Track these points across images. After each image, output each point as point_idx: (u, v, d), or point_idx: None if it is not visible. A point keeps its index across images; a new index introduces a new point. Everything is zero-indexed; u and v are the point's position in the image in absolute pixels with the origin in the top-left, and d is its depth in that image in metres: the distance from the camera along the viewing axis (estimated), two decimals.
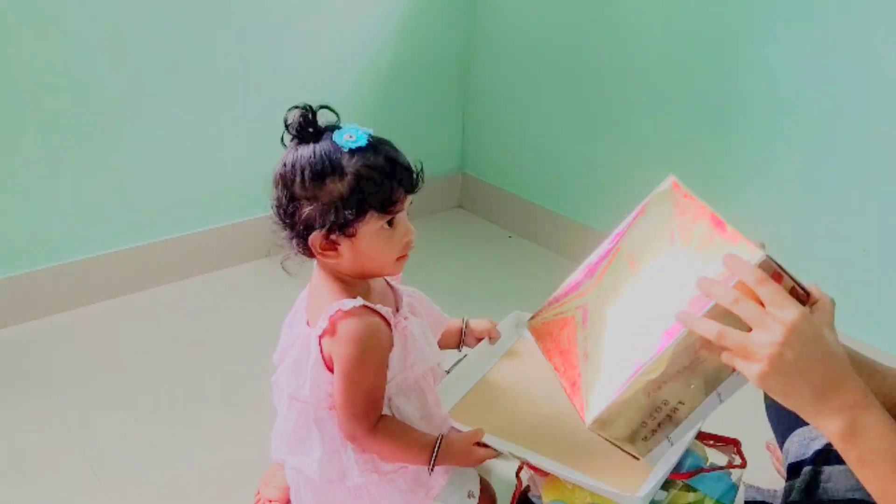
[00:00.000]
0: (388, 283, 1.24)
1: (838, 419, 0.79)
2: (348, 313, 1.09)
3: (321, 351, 1.11)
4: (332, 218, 1.07)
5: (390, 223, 1.10)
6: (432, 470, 1.16)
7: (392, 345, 1.13)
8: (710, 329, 0.84)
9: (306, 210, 1.07)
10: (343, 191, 1.07)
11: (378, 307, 1.11)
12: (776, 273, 0.87)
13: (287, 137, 1.11)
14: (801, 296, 0.89)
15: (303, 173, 1.07)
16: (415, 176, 1.12)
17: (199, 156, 2.12)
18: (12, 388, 1.72)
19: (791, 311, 0.80)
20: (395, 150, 1.12)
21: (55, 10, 1.79)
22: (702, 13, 1.87)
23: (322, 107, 1.10)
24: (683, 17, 1.91)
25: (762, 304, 0.82)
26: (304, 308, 1.20)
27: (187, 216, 2.14)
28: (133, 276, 2.08)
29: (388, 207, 1.09)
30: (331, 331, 1.09)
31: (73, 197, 1.95)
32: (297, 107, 1.09)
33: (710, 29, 1.87)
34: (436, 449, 1.14)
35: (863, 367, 0.96)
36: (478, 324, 1.39)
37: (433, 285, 2.15)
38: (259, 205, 2.24)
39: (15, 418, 1.63)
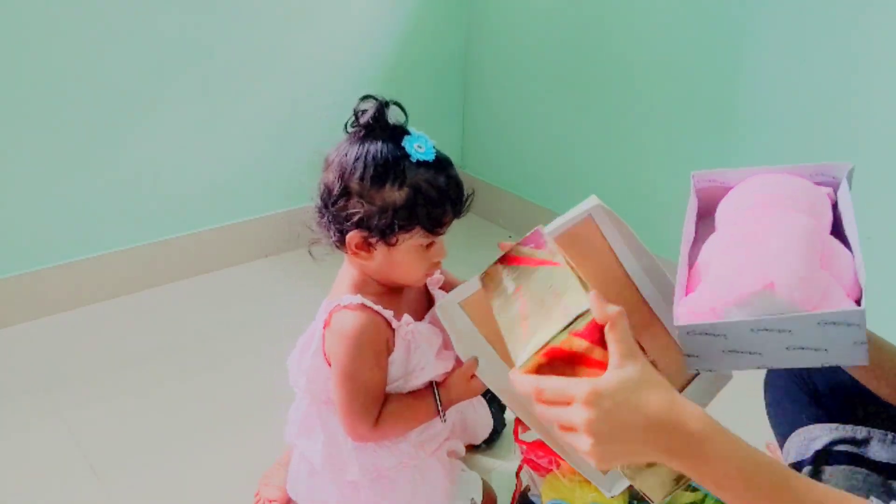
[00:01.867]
0: (427, 288, 1.22)
1: (680, 462, 0.76)
2: (346, 307, 1.09)
3: (323, 342, 1.12)
4: (378, 222, 1.05)
5: (430, 244, 1.10)
6: (444, 418, 1.16)
7: (392, 348, 1.13)
8: (532, 416, 0.82)
9: (356, 207, 1.05)
10: (398, 200, 1.05)
11: (378, 308, 1.10)
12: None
13: (351, 122, 1.09)
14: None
15: (364, 169, 1.04)
16: (465, 202, 1.11)
17: (199, 156, 2.11)
18: (12, 388, 1.72)
19: (579, 387, 0.74)
20: (455, 171, 1.10)
21: (55, 9, 1.79)
22: (701, 12, 1.87)
23: (394, 103, 1.08)
24: (682, 16, 1.91)
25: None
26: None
27: (187, 216, 2.14)
28: (133, 276, 2.08)
29: (434, 228, 1.08)
30: (328, 325, 1.10)
31: (73, 197, 1.95)
32: (370, 97, 1.07)
33: (709, 28, 1.87)
34: (437, 399, 1.15)
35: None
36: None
37: None
38: (259, 205, 2.25)
39: (15, 418, 1.63)
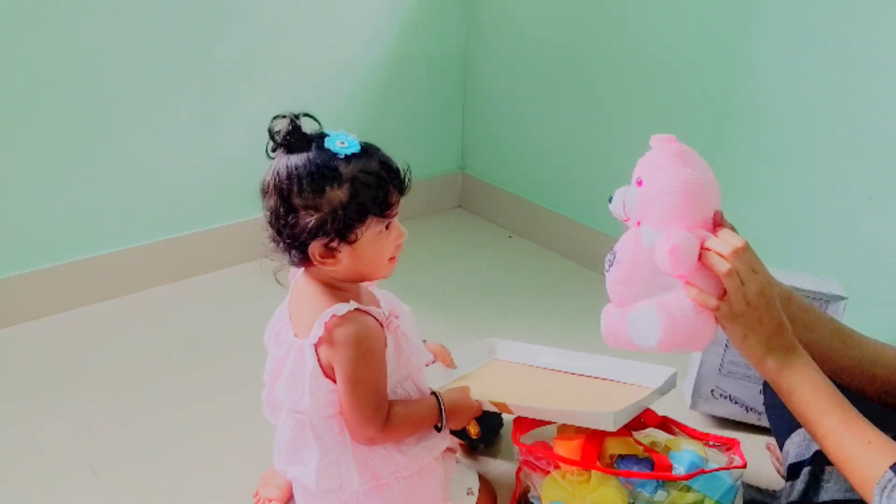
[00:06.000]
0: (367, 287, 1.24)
1: (777, 358, 1.00)
2: (343, 318, 1.09)
3: (318, 359, 1.11)
4: (333, 226, 1.07)
5: (387, 226, 1.12)
6: (442, 425, 1.20)
7: (386, 344, 1.14)
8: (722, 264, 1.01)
9: (306, 220, 1.07)
10: (343, 198, 1.07)
11: (370, 309, 1.12)
12: None
13: (271, 146, 1.10)
14: None
15: (300, 183, 1.06)
16: (404, 178, 1.13)
17: (199, 156, 2.12)
18: (12, 388, 1.72)
19: (759, 279, 1.00)
20: (385, 153, 1.13)
21: (54, 9, 1.79)
22: (701, 12, 1.87)
23: (304, 115, 1.10)
24: (683, 16, 1.91)
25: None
26: (288, 321, 1.19)
27: (187, 216, 2.14)
28: (133, 276, 2.08)
29: (385, 211, 1.10)
30: (327, 338, 1.09)
31: (73, 197, 1.95)
32: (281, 116, 1.09)
33: (710, 28, 1.87)
34: (441, 408, 1.19)
35: (847, 337, 1.13)
36: (430, 346, 1.41)
37: (433, 285, 2.17)
38: (259, 205, 2.24)
39: (15, 418, 1.63)
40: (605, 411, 1.19)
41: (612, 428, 1.18)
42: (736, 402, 1.57)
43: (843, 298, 1.50)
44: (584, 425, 1.22)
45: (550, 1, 2.23)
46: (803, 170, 1.76)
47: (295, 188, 1.07)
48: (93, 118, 1.92)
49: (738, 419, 1.59)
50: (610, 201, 1.12)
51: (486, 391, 1.33)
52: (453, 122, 2.60)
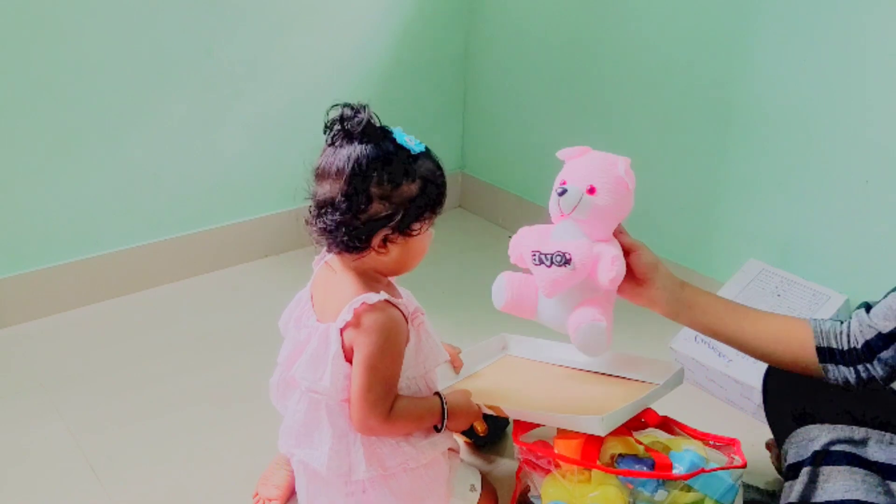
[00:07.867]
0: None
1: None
2: (373, 306, 1.11)
3: (342, 342, 1.13)
4: (400, 218, 1.11)
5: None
6: (442, 426, 1.21)
7: (408, 339, 1.16)
8: None
9: (378, 209, 1.10)
10: (413, 193, 1.11)
11: (399, 302, 1.15)
12: None
13: (337, 133, 1.13)
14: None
15: (381, 174, 1.09)
16: None
17: (199, 156, 2.12)
18: (12, 388, 1.72)
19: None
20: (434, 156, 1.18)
21: (55, 9, 1.79)
22: (702, 13, 1.87)
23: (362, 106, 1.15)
24: (684, 16, 1.91)
25: None
26: (310, 307, 1.22)
27: (187, 216, 2.14)
28: (133, 276, 2.08)
29: (438, 210, 1.15)
30: (355, 322, 1.11)
31: (73, 197, 1.95)
32: (346, 104, 1.12)
33: (710, 29, 1.87)
34: (443, 408, 1.21)
35: (743, 315, 1.20)
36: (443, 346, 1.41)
37: (433, 285, 2.17)
38: (259, 205, 2.25)
39: (15, 418, 1.63)
40: (594, 416, 1.18)
41: (601, 433, 1.18)
42: (712, 348, 1.69)
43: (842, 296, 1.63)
44: (575, 430, 1.22)
45: (551, 1, 2.23)
46: (803, 168, 1.76)
47: (376, 177, 1.09)
48: (93, 118, 1.92)
49: (708, 364, 1.69)
50: (563, 194, 1.18)
51: (486, 392, 1.33)
52: (453, 122, 2.60)
